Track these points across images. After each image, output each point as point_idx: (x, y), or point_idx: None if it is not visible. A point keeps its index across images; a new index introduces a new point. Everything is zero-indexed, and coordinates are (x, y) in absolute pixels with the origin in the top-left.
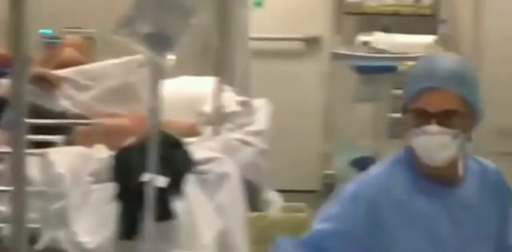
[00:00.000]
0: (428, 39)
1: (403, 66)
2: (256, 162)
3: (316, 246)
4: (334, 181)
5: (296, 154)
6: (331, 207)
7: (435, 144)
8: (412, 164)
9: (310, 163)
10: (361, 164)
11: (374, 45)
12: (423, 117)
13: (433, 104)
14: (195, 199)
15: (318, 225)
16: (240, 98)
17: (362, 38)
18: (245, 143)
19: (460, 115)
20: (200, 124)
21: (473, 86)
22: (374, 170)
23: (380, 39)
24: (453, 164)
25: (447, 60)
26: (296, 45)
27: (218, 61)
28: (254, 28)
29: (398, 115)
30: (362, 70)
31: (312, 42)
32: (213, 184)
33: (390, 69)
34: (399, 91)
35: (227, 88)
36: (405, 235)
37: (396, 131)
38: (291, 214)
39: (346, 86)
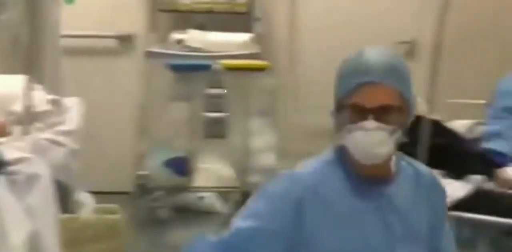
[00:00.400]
0: (244, 37)
1: (217, 65)
2: (67, 163)
3: (237, 245)
4: (147, 182)
5: (108, 155)
6: (254, 205)
7: (372, 140)
8: (343, 163)
9: (123, 164)
10: (175, 164)
11: (188, 43)
12: (359, 113)
13: (370, 99)
14: (4, 201)
15: (240, 222)
16: (50, 97)
17: (176, 36)
18: (56, 143)
19: (397, 111)
20: (9, 123)
21: (408, 81)
22: (301, 168)
23: (194, 37)
24: (386, 162)
25: (383, 54)
26: (109, 42)
27: (28, 59)
28: (66, 25)
29: (213, 114)
30: (177, 69)
31: (125, 40)
32: (23, 185)
33: (205, 68)
34: (214, 90)
35: (37, 86)
36: (332, 236)
37: (211, 130)
38: (103, 216)
39: (160, 85)
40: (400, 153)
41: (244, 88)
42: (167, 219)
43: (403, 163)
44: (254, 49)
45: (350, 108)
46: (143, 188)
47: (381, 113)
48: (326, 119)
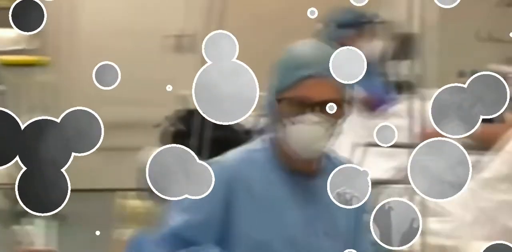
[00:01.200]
0: (12, 33)
1: None
2: None
3: (177, 239)
4: None
5: None
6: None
7: (315, 134)
8: (272, 154)
9: None
10: None
11: None
12: (303, 105)
13: (318, 92)
14: None
15: (174, 218)
16: None
17: None
18: None
19: (340, 105)
20: None
21: None
22: (227, 157)
23: None
24: (319, 157)
25: (326, 48)
26: None
27: None
28: None
29: None
30: None
31: None
32: None
33: None
34: None
35: None
36: (254, 226)
37: None
38: None
39: None
40: (329, 148)
41: (22, 84)
42: None
43: (330, 159)
44: (31, 45)
45: (293, 101)
46: None
47: (324, 107)
48: (114, 113)
